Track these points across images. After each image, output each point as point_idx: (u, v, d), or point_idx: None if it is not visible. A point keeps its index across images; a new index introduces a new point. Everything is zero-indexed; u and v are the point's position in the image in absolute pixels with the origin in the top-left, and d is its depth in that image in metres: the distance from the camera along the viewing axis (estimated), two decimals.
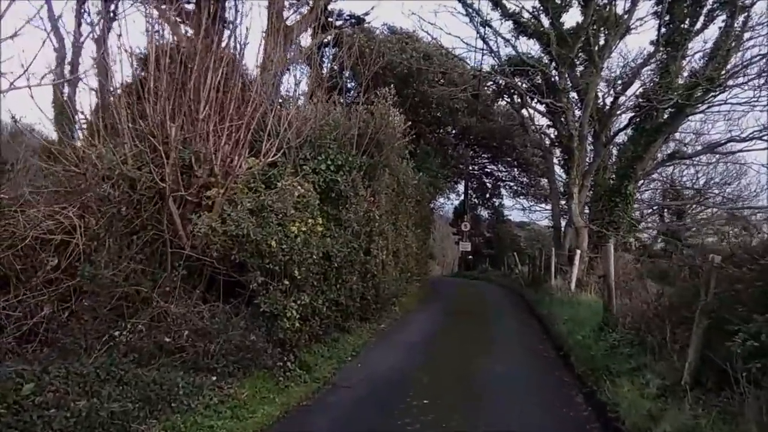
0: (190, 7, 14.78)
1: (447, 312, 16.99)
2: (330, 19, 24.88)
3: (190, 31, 12.11)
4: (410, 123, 14.76)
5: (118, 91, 8.74)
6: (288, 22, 19.19)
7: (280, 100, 10.95)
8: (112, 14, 13.37)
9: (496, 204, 39.90)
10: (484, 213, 40.99)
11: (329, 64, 20.42)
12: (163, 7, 10.83)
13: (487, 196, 39.90)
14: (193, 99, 8.82)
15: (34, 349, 6.74)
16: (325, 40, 19.36)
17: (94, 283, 7.27)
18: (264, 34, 11.20)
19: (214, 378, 7.18)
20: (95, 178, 8.03)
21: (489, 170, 38.39)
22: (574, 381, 8.83)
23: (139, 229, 8.19)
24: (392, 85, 14.54)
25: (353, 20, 26.77)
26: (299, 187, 8.68)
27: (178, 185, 8.38)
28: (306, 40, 19.30)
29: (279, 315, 8.14)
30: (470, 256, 38.08)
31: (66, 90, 13.52)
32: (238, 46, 10.57)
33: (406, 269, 17.03)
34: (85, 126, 9.46)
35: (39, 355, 6.28)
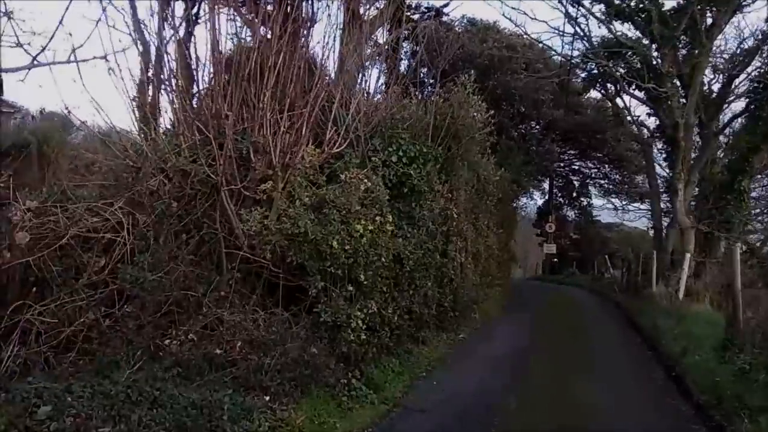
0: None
1: (534, 321, 15.48)
2: (407, 13, 23.93)
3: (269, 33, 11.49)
4: (492, 114, 13.43)
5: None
6: (364, 18, 18.40)
7: (349, 88, 9.99)
8: (194, 18, 13.00)
9: (584, 204, 37.45)
10: (571, 213, 38.61)
11: (406, 60, 19.54)
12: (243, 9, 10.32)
13: (574, 195, 37.52)
14: (252, 85, 8.03)
15: (73, 360, 6.10)
16: (402, 35, 18.45)
17: (138, 287, 6.55)
18: (340, 31, 10.35)
19: (267, 398, 6.26)
20: (147, 171, 7.37)
21: (576, 167, 36.09)
22: (694, 412, 7.30)
23: (192, 227, 7.45)
24: (472, 72, 13.28)
25: (431, 13, 25.65)
26: (366, 181, 7.66)
27: (235, 179, 7.59)
28: (383, 35, 18.46)
29: (342, 325, 7.14)
30: (555, 259, 35.92)
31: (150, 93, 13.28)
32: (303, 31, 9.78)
33: (487, 273, 15.69)
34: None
35: (68, 369, 5.58)
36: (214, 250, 7.55)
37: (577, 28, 19.92)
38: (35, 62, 6.95)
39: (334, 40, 9.60)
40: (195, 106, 8.75)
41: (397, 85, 11.61)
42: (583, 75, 23.77)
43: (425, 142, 10.16)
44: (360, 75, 11.27)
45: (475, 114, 12.33)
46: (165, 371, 6.10)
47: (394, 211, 8.76)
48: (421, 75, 15.60)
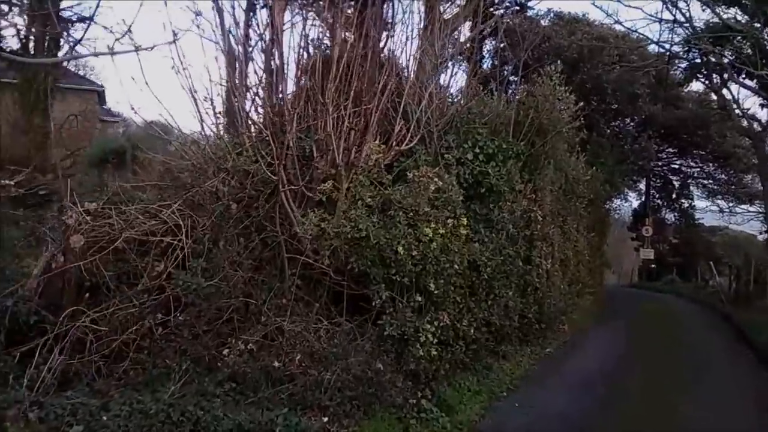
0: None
1: (630, 333, 14.06)
2: (490, 9, 22.97)
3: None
4: (581, 106, 12.28)
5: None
6: (445, 15, 17.68)
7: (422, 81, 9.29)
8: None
9: (685, 205, 34.60)
10: (670, 216, 35.82)
11: (489, 59, 18.64)
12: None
13: (674, 196, 34.77)
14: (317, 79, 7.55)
15: (125, 370, 5.79)
16: (484, 31, 17.61)
17: (194, 294, 6.17)
18: (419, 30, 9.71)
19: (325, 419, 5.69)
20: (204, 171, 7.04)
21: (676, 166, 33.39)
22: None
23: (252, 229, 7.02)
24: (559, 62, 12.21)
25: (516, 7, 24.50)
26: (437, 180, 6.93)
27: (297, 179, 7.10)
28: (464, 32, 17.69)
29: (410, 339, 6.45)
30: (653, 265, 33.36)
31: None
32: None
33: (576, 280, 14.45)
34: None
35: (112, 382, 5.24)
36: (278, 255, 7.10)
37: (678, 13, 18.14)
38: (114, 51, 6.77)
39: (412, 40, 8.96)
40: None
41: (475, 80, 10.84)
42: (683, 65, 21.78)
43: (505, 137, 9.28)
44: (437, 71, 10.58)
45: (562, 107, 11.28)
46: (217, 385, 5.67)
47: (469, 213, 7.96)
48: (504, 72, 14.74)
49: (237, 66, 8.41)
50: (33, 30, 21.05)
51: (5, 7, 21.77)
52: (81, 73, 28.22)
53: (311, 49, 8.16)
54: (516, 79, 14.74)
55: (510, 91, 14.76)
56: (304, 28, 7.96)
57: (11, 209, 8.20)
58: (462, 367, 7.65)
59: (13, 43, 20.53)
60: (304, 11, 9.80)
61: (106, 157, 16.31)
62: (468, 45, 12.90)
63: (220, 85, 7.92)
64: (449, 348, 7.13)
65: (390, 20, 9.70)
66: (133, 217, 6.37)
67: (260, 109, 7.74)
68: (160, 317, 6.15)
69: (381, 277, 6.41)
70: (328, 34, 9.36)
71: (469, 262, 7.61)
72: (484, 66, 17.48)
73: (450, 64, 11.08)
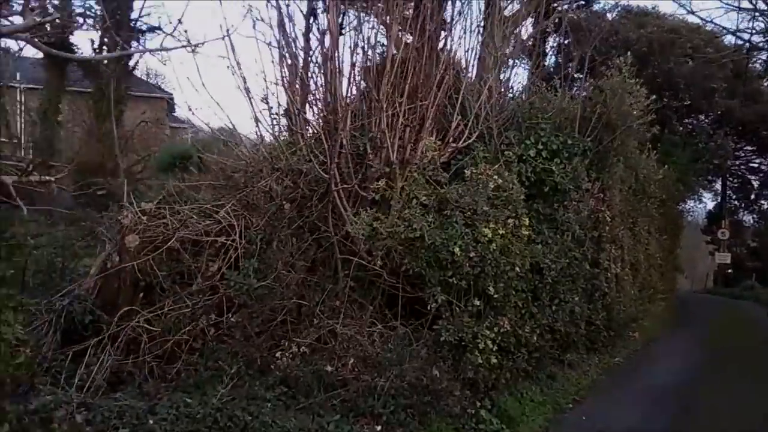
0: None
1: (706, 343, 13.11)
2: (553, 5, 22.25)
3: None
4: (653, 99, 11.53)
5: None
6: (506, 12, 17.18)
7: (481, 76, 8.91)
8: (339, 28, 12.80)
9: (765, 207, 32.39)
10: (748, 218, 33.65)
11: (552, 56, 17.98)
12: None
13: (752, 197, 32.60)
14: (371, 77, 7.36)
15: (178, 371, 5.73)
16: (547, 28, 16.99)
17: (246, 295, 6.06)
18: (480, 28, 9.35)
19: (378, 428, 5.45)
20: (257, 171, 6.94)
21: (755, 165, 31.31)
22: None
23: (305, 230, 6.87)
24: (629, 53, 11.51)
25: (581, 1, 23.62)
26: (496, 177, 6.56)
27: (351, 177, 6.90)
28: (526, 29, 17.14)
29: (468, 346, 6.11)
30: (729, 270, 31.40)
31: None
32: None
33: (647, 285, 13.63)
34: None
35: (161, 384, 5.16)
36: (331, 256, 6.92)
37: (759, 1, 16.94)
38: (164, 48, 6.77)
39: (470, 33, 8.61)
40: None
41: (538, 76, 10.37)
42: (764, 56, 20.35)
43: (570, 133, 8.77)
44: (497, 64, 10.18)
45: (632, 101, 10.60)
46: (268, 389, 5.52)
47: (531, 213, 7.53)
48: (568, 68, 14.14)
49: (292, 65, 8.31)
50: (106, 40, 21.98)
51: (80, 19, 22.86)
52: (152, 81, 29.35)
53: (368, 50, 7.94)
54: (581, 76, 14.11)
55: (574, 88, 14.14)
56: (360, 29, 7.68)
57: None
58: (524, 375, 7.23)
59: (89, 53, 21.50)
60: (361, 13, 9.63)
61: (173, 161, 16.73)
62: (530, 42, 12.41)
63: (276, 84, 7.81)
64: (510, 355, 6.74)
65: (448, 18, 9.39)
66: (187, 217, 6.33)
67: (315, 108, 7.59)
68: (213, 318, 6.08)
69: (437, 280, 6.10)
70: (384, 33, 9.16)
71: (532, 265, 7.18)
72: (547, 63, 16.86)
73: (510, 61, 10.67)
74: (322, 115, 7.35)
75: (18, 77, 24.23)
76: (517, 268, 6.55)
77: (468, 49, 8.48)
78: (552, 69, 16.00)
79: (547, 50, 18.34)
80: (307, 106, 7.60)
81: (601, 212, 9.46)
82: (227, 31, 6.39)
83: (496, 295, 6.31)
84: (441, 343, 6.15)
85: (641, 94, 10.64)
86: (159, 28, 21.27)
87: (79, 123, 22.02)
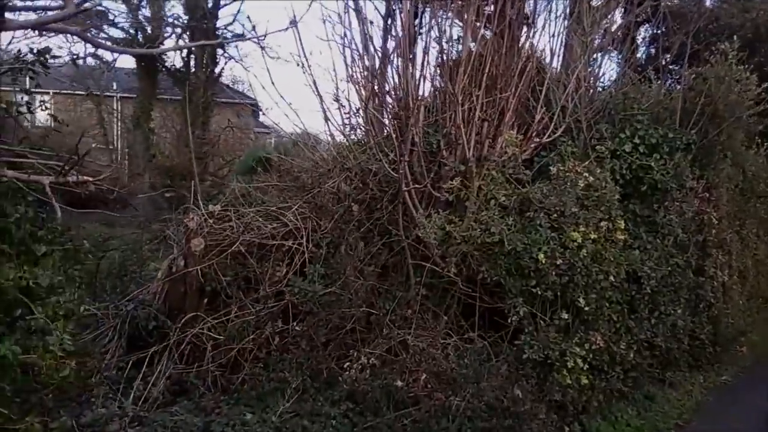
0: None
1: None
2: None
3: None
4: (765, 88, 10.26)
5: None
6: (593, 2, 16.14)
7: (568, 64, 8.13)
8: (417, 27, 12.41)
9: None
10: None
11: (644, 45, 16.71)
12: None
13: None
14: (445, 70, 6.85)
15: (242, 381, 5.47)
16: (639, 17, 15.77)
17: (312, 303, 5.71)
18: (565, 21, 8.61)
19: None
20: (325, 171, 6.60)
21: None
22: None
23: (375, 233, 6.45)
24: (734, 38, 10.30)
25: None
26: (587, 175, 5.86)
27: (423, 177, 6.42)
28: (616, 20, 16.01)
29: (554, 364, 5.46)
30: None
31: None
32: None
33: (756, 294, 12.19)
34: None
35: (220, 397, 4.89)
36: (403, 261, 6.45)
37: None
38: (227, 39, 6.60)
39: (556, 20, 7.89)
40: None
41: (630, 66, 9.45)
42: None
43: (671, 126, 7.84)
44: (586, 52, 9.36)
45: (741, 90, 9.43)
46: (333, 405, 5.14)
47: (627, 214, 6.72)
48: (663, 59, 12.95)
49: (362, 60, 7.92)
50: (193, 48, 22.74)
51: (169, 29, 23.77)
52: (238, 88, 30.19)
53: (443, 43, 7.42)
54: (676, 68, 12.82)
55: (669, 80, 12.91)
56: (435, 22, 7.17)
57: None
58: (618, 397, 6.45)
59: (178, 62, 22.38)
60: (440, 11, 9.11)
61: (253, 165, 16.98)
62: (620, 33, 11.43)
63: (347, 82, 7.45)
64: (603, 375, 6.00)
65: (531, 4, 8.68)
66: (253, 219, 6.07)
67: (386, 105, 7.15)
68: (278, 326, 5.79)
69: (518, 289, 5.49)
70: (461, 25, 8.59)
71: (628, 273, 6.39)
72: (639, 54, 15.65)
73: (598, 54, 9.80)
74: (393, 111, 6.90)
75: (114, 87, 25.62)
76: (612, 277, 5.81)
77: (553, 34, 7.75)
78: (644, 61, 14.75)
79: (638, 41, 17.08)
80: (378, 102, 7.17)
81: (706, 214, 8.41)
82: (294, 23, 6.12)
83: (587, 308, 5.60)
84: (524, 359, 5.52)
85: (751, 82, 9.45)
86: (242, 36, 21.72)
87: (169, 129, 22.94)
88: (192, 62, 22.26)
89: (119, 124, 26.34)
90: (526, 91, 6.86)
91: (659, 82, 9.43)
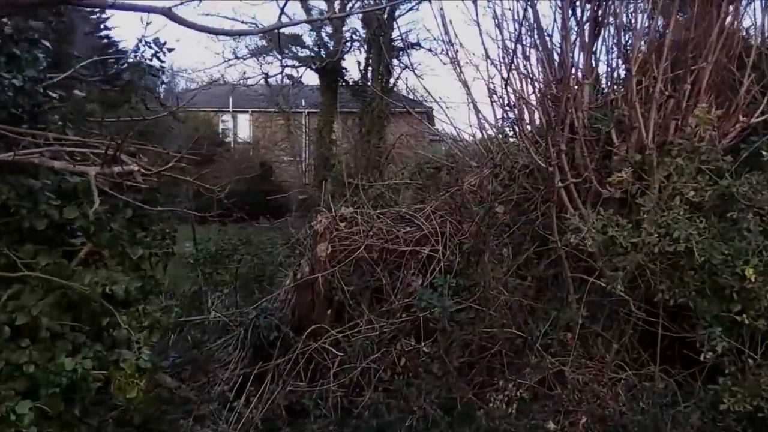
0: None
1: None
2: None
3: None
4: None
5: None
6: None
7: None
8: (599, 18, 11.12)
9: None
10: None
11: None
12: None
13: None
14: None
15: (364, 406, 4.82)
16: None
17: (445, 319, 4.88)
18: None
19: None
20: (468, 167, 5.74)
21: None
22: None
23: (526, 238, 5.41)
24: None
25: None
26: None
27: (587, 169, 5.24)
28: None
29: None
30: None
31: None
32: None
33: None
34: None
35: (334, 422, 4.27)
36: (561, 274, 5.33)
37: None
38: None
39: None
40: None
41: None
42: None
43: None
44: None
45: None
46: None
47: None
48: None
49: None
50: (370, 60, 23.38)
51: (348, 44, 24.69)
52: (413, 97, 30.43)
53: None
54: None
55: None
56: None
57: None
58: None
59: (355, 74, 23.23)
60: None
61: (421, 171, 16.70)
62: None
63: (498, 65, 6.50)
64: None
65: None
66: (384, 222, 5.43)
67: (538, 85, 6.04)
68: (408, 344, 5.06)
69: (714, 316, 4.08)
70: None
71: None
72: None
73: None
74: (549, 93, 5.80)
75: (303, 103, 27.31)
76: None
77: None
78: None
79: None
80: (531, 85, 6.08)
81: None
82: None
83: None
84: (724, 410, 4.09)
85: None
86: (418, 44, 21.70)
87: (348, 140, 23.77)
88: (369, 74, 22.82)
89: (305, 137, 27.96)
90: (726, 60, 5.30)
91: None
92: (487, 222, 5.28)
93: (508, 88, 5.89)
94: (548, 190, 5.20)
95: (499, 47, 6.22)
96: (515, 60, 5.95)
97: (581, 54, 5.83)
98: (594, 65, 5.85)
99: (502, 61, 6.19)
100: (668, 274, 4.15)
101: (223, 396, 4.61)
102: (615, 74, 5.95)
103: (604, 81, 6.15)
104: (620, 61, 5.67)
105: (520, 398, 4.83)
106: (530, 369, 4.86)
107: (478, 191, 5.44)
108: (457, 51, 6.47)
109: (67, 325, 3.21)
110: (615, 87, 5.67)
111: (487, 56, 6.20)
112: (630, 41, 5.61)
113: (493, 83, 6.24)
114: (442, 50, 6.57)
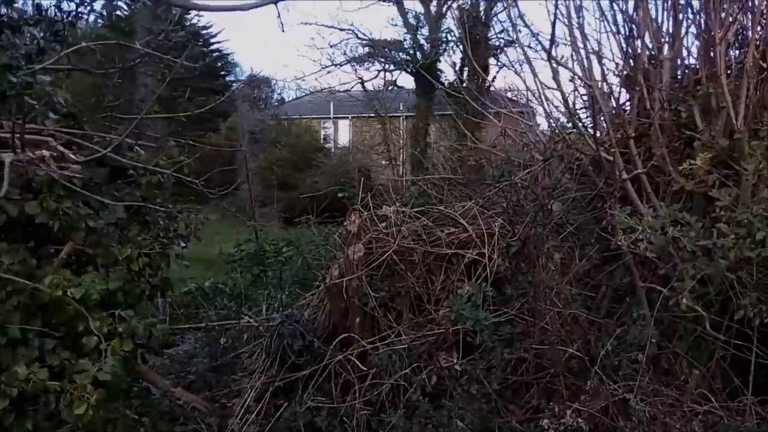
0: None
1: None
2: None
3: None
4: None
5: None
6: None
7: None
8: None
9: None
10: None
11: None
12: None
13: None
14: None
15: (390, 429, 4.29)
16: None
17: (485, 333, 4.24)
18: None
19: None
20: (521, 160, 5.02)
21: None
22: None
23: (588, 241, 4.63)
24: None
25: None
26: None
27: (664, 160, 4.38)
28: None
29: None
30: None
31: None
32: None
33: None
34: None
35: None
36: (631, 284, 4.49)
37: None
38: None
39: None
40: None
41: None
42: None
43: None
44: None
45: None
46: None
47: None
48: None
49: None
50: (466, 60, 22.81)
51: (444, 45, 24.29)
52: (511, 96, 29.33)
53: None
54: None
55: None
56: None
57: None
58: None
59: (450, 75, 22.80)
60: None
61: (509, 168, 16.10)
62: None
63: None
64: None
65: None
66: (429, 226, 4.84)
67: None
68: (443, 360, 4.47)
69: None
70: None
71: None
72: None
73: None
74: (622, 72, 4.95)
75: (401, 107, 27.21)
76: None
77: None
78: None
79: None
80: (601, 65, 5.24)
81: None
82: None
83: None
84: None
85: None
86: (515, 42, 20.84)
87: (444, 142, 23.29)
88: (464, 75, 22.21)
89: (402, 141, 27.79)
90: None
91: None
92: (541, 222, 4.56)
93: (575, 66, 5.13)
94: (612, 183, 4.39)
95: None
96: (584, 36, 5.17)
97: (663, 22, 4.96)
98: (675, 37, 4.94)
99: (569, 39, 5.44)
100: (754, 286, 3.25)
101: (243, 409, 4.28)
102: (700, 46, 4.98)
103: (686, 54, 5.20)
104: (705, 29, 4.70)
105: (576, 428, 4.09)
106: (587, 396, 4.09)
107: (530, 187, 4.72)
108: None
109: (34, 330, 2.99)
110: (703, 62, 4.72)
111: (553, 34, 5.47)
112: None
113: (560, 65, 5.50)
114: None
